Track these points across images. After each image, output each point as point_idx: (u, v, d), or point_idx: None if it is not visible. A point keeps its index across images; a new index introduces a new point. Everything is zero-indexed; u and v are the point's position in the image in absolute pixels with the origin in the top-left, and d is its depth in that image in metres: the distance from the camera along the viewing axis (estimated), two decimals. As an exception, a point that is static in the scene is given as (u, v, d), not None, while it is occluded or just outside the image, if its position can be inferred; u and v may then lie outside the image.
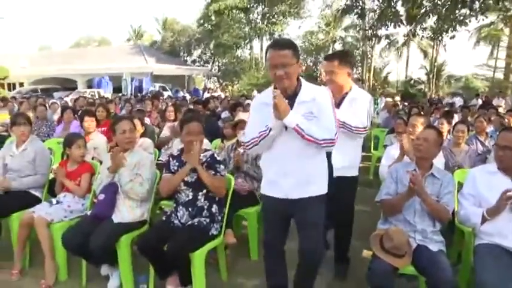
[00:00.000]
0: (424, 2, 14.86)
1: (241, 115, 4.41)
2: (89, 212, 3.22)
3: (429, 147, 2.71)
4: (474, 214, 2.60)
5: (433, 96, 22.25)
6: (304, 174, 2.39)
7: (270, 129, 2.31)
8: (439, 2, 14.07)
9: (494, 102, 12.45)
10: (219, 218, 3.05)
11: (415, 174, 2.59)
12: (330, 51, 32.55)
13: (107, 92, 21.94)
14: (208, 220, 2.94)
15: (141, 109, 6.20)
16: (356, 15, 17.14)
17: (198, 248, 2.78)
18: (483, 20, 14.39)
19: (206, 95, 20.03)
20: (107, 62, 27.97)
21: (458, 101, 13.64)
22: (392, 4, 15.07)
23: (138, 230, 3.09)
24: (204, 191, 2.98)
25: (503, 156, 2.59)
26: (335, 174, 2.97)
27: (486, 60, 25.65)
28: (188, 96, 18.82)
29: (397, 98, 14.75)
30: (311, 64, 31.74)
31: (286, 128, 2.32)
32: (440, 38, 20.48)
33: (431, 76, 26.17)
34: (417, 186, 2.53)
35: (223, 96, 18.56)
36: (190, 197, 2.97)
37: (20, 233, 3.31)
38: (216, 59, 37.37)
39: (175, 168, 3.03)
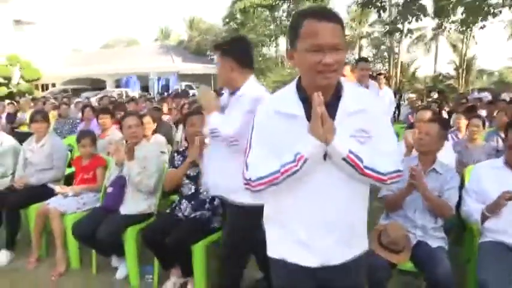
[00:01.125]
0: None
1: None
2: (98, 204, 3.34)
3: (431, 141, 2.65)
4: (475, 211, 2.55)
5: (463, 91, 21.61)
6: (349, 227, 1.57)
7: (306, 160, 1.42)
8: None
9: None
10: (221, 211, 3.09)
11: (415, 169, 2.55)
12: (357, 47, 32.16)
13: (135, 91, 22.44)
14: (210, 213, 2.99)
15: (157, 107, 6.32)
16: (376, 9, 16.70)
17: (199, 240, 2.83)
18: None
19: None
20: (135, 62, 28.66)
21: (485, 96, 13.19)
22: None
23: (144, 222, 3.18)
24: None
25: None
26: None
27: (515, 53, 24.72)
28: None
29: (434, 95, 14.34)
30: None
31: (325, 156, 1.45)
32: (469, 30, 19.78)
33: (460, 71, 25.41)
34: (417, 181, 2.50)
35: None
36: (193, 191, 3.03)
37: (37, 224, 3.51)
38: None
39: (179, 163, 3.10)
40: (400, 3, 15.18)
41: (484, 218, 2.50)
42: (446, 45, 27.90)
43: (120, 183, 3.23)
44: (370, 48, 32.77)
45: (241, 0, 30.79)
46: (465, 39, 23.95)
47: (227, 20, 33.46)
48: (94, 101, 13.43)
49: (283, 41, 34.59)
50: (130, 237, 3.09)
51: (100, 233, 2.94)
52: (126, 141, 3.26)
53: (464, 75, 24.97)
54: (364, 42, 32.53)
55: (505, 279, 2.22)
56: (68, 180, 4.00)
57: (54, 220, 3.35)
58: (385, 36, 30.42)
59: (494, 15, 12.86)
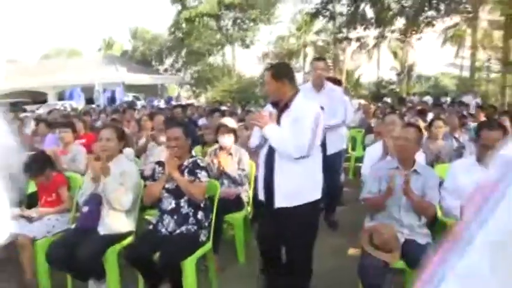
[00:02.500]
0: (392, 5, 15.22)
1: (222, 120, 4.42)
2: (73, 226, 3.13)
3: (410, 145, 2.77)
4: (454, 207, 2.68)
5: (405, 96, 22.81)
6: None
7: None
8: (406, 4, 14.46)
9: (464, 99, 12.86)
10: (206, 224, 3.03)
11: (405, 176, 2.63)
12: (302, 56, 32.95)
13: (79, 104, 21.47)
14: (196, 227, 2.92)
15: (115, 118, 6.10)
16: (326, 19, 17.32)
17: (189, 255, 2.75)
18: (449, 20, 14.92)
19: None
20: (78, 73, 27.41)
21: (429, 100, 14.07)
22: (361, 7, 15.40)
23: (124, 241, 3.03)
24: (186, 197, 2.95)
25: (487, 153, 2.68)
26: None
27: (453, 59, 26.57)
28: (163, 105, 18.64)
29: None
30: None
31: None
32: (408, 39, 21.01)
33: (401, 76, 26.82)
34: (406, 188, 2.59)
35: (195, 104, 18.52)
36: (174, 205, 2.94)
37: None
38: (188, 66, 37.19)
39: (159, 175, 3.00)
40: (344, 13, 15.85)
41: (462, 213, 2.63)
42: (388, 52, 29.38)
43: (95, 201, 3.06)
44: (315, 56, 33.70)
45: (187, 10, 30.62)
46: (404, 47, 25.35)
47: (173, 29, 33.06)
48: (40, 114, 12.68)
49: (229, 50, 34.75)
50: (112, 258, 2.92)
51: (80, 256, 2.74)
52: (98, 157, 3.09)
53: (405, 80, 26.38)
54: (309, 50, 33.40)
55: None
56: (31, 202, 3.71)
57: (25, 248, 3.08)
58: (330, 45, 31.54)
59: (432, 25, 13.75)
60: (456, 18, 17.86)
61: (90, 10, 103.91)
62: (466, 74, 24.79)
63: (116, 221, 3.04)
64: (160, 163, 3.10)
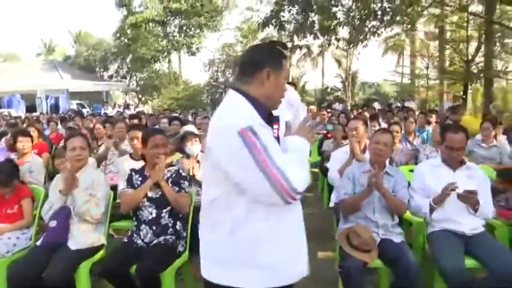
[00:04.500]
0: (338, 14, 15.77)
1: (186, 128, 4.35)
2: (38, 242, 2.94)
3: (387, 149, 2.93)
4: (423, 205, 2.85)
5: (350, 102, 23.75)
6: None
7: None
8: (351, 14, 15.05)
9: (406, 104, 13.64)
10: (184, 234, 2.97)
11: (375, 172, 2.77)
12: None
13: (19, 112, 20.18)
14: (174, 237, 2.85)
15: (72, 126, 5.82)
16: (276, 27, 17.69)
17: (168, 266, 2.68)
18: (390, 31, 15.75)
19: (127, 111, 19.27)
20: (17, 78, 25.74)
21: (377, 106, 14.80)
22: (311, 16, 15.80)
23: (96, 255, 2.89)
24: (168, 208, 2.87)
25: (454, 155, 2.87)
26: None
27: (394, 67, 28.02)
28: (112, 112, 18.01)
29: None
30: (230, 76, 31.92)
31: None
32: (353, 47, 21.90)
33: (346, 84, 27.86)
34: (377, 183, 2.72)
35: (146, 111, 18.09)
36: (154, 215, 2.85)
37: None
38: (134, 73, 36.24)
39: (138, 183, 2.91)
40: (294, 22, 16.20)
41: (431, 209, 2.81)
42: (332, 60, 30.40)
43: (64, 215, 2.88)
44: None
45: (133, 15, 29.90)
46: (349, 55, 26.38)
47: (118, 35, 32.12)
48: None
49: (175, 57, 34.31)
50: (84, 274, 2.77)
51: (51, 274, 2.57)
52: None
53: (349, 87, 27.41)
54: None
55: (460, 260, 2.55)
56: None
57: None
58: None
59: (378, 35, 14.44)
60: (396, 29, 18.87)
61: (28, 11, 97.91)
62: (406, 81, 26.29)
63: (87, 234, 2.89)
64: (135, 170, 3.01)
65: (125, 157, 4.09)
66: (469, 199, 2.67)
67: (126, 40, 32.37)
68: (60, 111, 19.34)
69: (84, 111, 20.42)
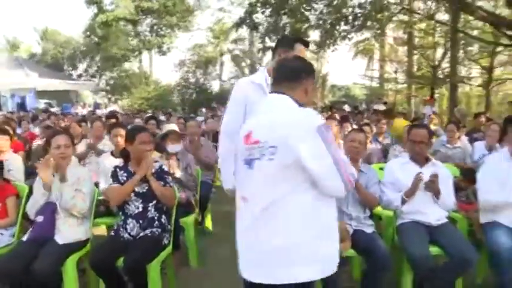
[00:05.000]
0: (309, 17, 16.04)
1: (168, 127, 4.45)
2: (24, 237, 2.98)
3: (361, 148, 3.15)
4: (395, 199, 3.08)
5: (320, 104, 24.23)
6: None
7: None
8: (323, 18, 15.39)
9: (375, 107, 14.09)
10: (168, 227, 3.10)
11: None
12: (219, 63, 33.32)
13: (-18, 111, 19.47)
14: (160, 230, 2.97)
15: (50, 125, 5.79)
16: (249, 29, 17.86)
17: (154, 258, 2.80)
18: (360, 35, 16.25)
19: (99, 111, 18.95)
20: (-23, 76, 24.79)
21: (347, 108, 15.25)
22: (283, 19, 16.02)
23: (83, 249, 2.97)
24: (154, 201, 3.00)
25: (417, 149, 3.13)
26: None
27: (364, 71, 28.78)
28: (83, 112, 17.68)
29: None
30: (200, 76, 31.82)
31: None
32: (324, 50, 22.32)
33: (317, 86, 28.40)
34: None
35: (118, 110, 17.86)
36: (141, 209, 2.97)
37: None
38: (103, 72, 35.58)
39: (124, 178, 3.01)
40: (265, 24, 16.40)
41: (403, 202, 3.04)
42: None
43: (50, 210, 2.94)
44: (232, 65, 34.09)
45: (103, 13, 29.36)
46: (319, 58, 26.90)
47: (88, 33, 31.48)
48: None
49: (146, 57, 33.95)
50: (71, 268, 2.84)
51: (39, 268, 2.63)
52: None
53: (319, 89, 27.95)
54: (225, 58, 33.82)
55: (426, 248, 2.80)
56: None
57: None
58: (246, 54, 32.30)
59: (349, 39, 14.85)
60: (366, 34, 19.42)
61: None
62: (375, 84, 27.03)
63: (73, 228, 2.96)
64: (119, 167, 3.10)
65: (105, 155, 4.16)
66: (433, 184, 2.92)
67: (96, 38, 31.78)
68: (28, 110, 18.80)
69: (53, 110, 19.90)
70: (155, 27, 32.71)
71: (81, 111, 18.39)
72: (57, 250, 2.81)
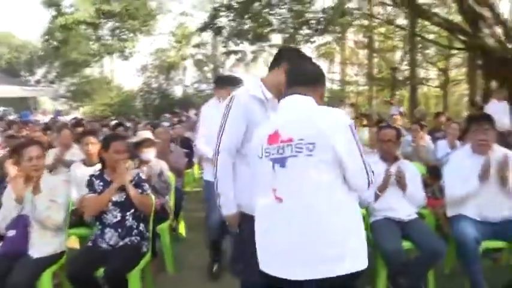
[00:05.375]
0: (273, 21, 16.22)
1: (141, 134, 4.41)
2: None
3: None
4: (368, 196, 3.19)
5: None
6: None
7: None
8: (286, 22, 15.62)
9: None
10: (147, 235, 3.08)
11: None
12: (181, 68, 33.01)
13: None
14: (139, 238, 2.96)
15: (13, 135, 5.57)
16: (213, 33, 17.89)
17: (134, 267, 2.78)
18: (322, 39, 16.61)
19: (61, 118, 18.33)
20: None
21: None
22: (246, 23, 16.12)
23: (59, 262, 2.91)
24: (132, 210, 2.98)
25: (385, 147, 3.29)
26: None
27: (326, 73, 29.24)
28: (44, 119, 17.01)
29: None
30: (163, 81, 31.41)
31: None
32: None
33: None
34: None
35: (79, 117, 17.34)
36: (119, 218, 2.94)
37: None
38: (63, 78, 34.42)
39: (101, 188, 2.97)
40: (227, 28, 16.44)
41: (376, 197, 3.18)
42: (264, 67, 31.09)
43: (23, 224, 2.85)
44: (195, 69, 33.88)
45: (62, 16, 28.43)
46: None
47: (46, 37, 30.38)
48: None
49: (108, 62, 33.21)
50: (47, 283, 2.76)
51: (14, 283, 2.54)
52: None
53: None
54: (188, 63, 33.59)
55: (399, 243, 2.95)
56: None
57: None
58: (209, 58, 32.21)
59: (311, 43, 15.15)
60: (328, 38, 19.84)
61: None
62: (337, 87, 27.59)
63: (48, 241, 2.88)
64: (95, 176, 3.06)
65: (76, 164, 4.06)
66: (400, 178, 3.10)
67: (55, 43, 30.73)
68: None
69: (11, 118, 19.08)
70: (117, 31, 32.04)
71: (42, 118, 17.70)
72: (32, 264, 2.73)
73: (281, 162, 1.73)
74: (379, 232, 3.06)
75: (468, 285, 2.96)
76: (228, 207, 2.13)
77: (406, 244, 3.00)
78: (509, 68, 8.75)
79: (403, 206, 3.15)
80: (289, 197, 1.71)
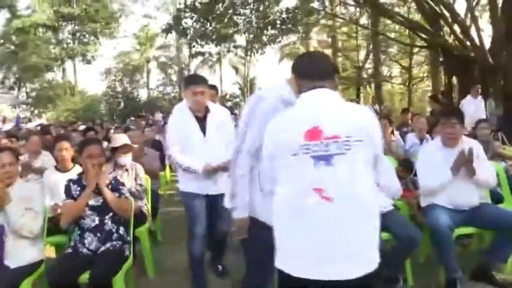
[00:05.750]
0: (238, 22, 16.26)
1: (118, 137, 4.33)
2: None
3: None
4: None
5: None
6: None
7: None
8: (251, 22, 15.71)
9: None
10: (128, 238, 3.05)
11: None
12: (145, 71, 32.55)
13: None
14: (120, 242, 2.92)
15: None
16: (178, 35, 17.74)
17: (118, 271, 2.74)
18: (287, 39, 16.84)
19: (24, 125, 17.64)
20: None
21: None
22: (211, 24, 16.07)
23: (38, 271, 2.82)
24: (111, 214, 2.94)
25: None
26: None
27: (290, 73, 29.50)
28: (5, 127, 16.30)
29: None
30: (127, 85, 30.82)
31: None
32: (251, 55, 22.65)
33: (245, 90, 28.79)
34: None
35: (45, 123, 16.73)
36: (97, 222, 2.89)
37: None
38: (23, 84, 33.08)
39: (78, 193, 2.92)
40: (195, 29, 16.35)
41: None
42: (229, 67, 31.13)
43: (-1, 233, 2.77)
44: (159, 72, 33.44)
45: (19, 19, 27.32)
46: (246, 63, 27.33)
47: (2, 40, 29.11)
48: None
49: (70, 65, 32.26)
50: (27, 292, 2.69)
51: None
52: None
53: (248, 94, 28.38)
54: (151, 65, 33.17)
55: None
56: None
57: None
58: (172, 60, 31.93)
59: (277, 42, 15.29)
60: (293, 37, 20.10)
61: None
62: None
63: (25, 250, 2.79)
64: (73, 181, 3.00)
65: (49, 171, 3.96)
66: None
67: (12, 47, 29.49)
68: None
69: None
70: (78, 35, 31.18)
71: (2, 126, 16.95)
72: (10, 275, 2.65)
73: (327, 159, 1.63)
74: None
75: (442, 272, 3.12)
76: (241, 211, 2.07)
77: (384, 235, 3.10)
78: (469, 65, 9.19)
79: (381, 198, 3.27)
80: (341, 197, 1.62)
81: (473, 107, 7.60)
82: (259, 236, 1.99)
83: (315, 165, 1.64)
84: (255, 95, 2.18)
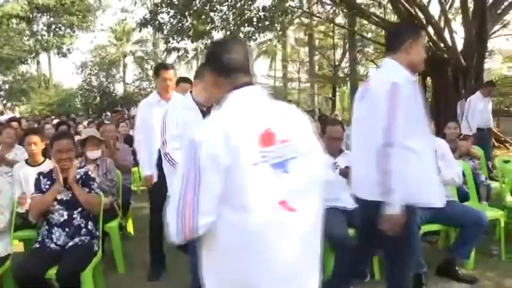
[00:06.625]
0: (214, 19, 16.17)
1: (87, 132, 4.30)
2: None
3: None
4: None
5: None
6: None
7: None
8: (228, 19, 15.65)
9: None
10: (97, 234, 3.04)
11: None
12: (122, 65, 32.08)
13: None
14: (89, 238, 2.91)
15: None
16: (154, 29, 17.48)
17: (86, 266, 2.73)
18: (264, 37, 16.86)
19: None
20: None
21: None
22: (188, 20, 15.91)
23: (4, 266, 2.78)
24: (80, 209, 2.93)
25: (335, 145, 3.49)
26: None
27: (267, 71, 29.67)
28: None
29: None
30: (103, 79, 30.28)
31: None
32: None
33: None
34: None
35: (17, 117, 16.29)
36: (66, 217, 2.88)
37: None
38: (-5, 76, 32.06)
39: (47, 187, 2.89)
40: (168, 25, 16.16)
41: None
42: (204, 63, 30.95)
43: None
44: (136, 67, 32.97)
45: (-10, 9, 26.45)
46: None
47: (-29, 32, 28.10)
48: None
49: (44, 58, 31.49)
50: (-7, 287, 2.66)
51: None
52: None
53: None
54: (128, 60, 32.69)
55: (345, 230, 3.19)
56: None
57: None
58: (149, 55, 31.55)
59: (253, 40, 15.29)
60: (269, 35, 20.15)
61: None
62: (279, 84, 28.09)
63: (-8, 246, 2.77)
64: (43, 174, 2.96)
65: (19, 164, 3.90)
66: (345, 171, 3.23)
67: (-17, 38, 28.52)
68: None
69: None
70: (53, 27, 30.42)
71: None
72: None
73: (282, 166, 1.41)
74: (327, 220, 3.21)
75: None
76: (398, 205, 2.03)
77: (352, 231, 3.19)
78: (442, 66, 9.42)
79: (347, 196, 3.33)
80: (302, 206, 1.44)
81: (482, 105, 7.58)
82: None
83: (275, 174, 1.39)
84: (391, 84, 2.09)
